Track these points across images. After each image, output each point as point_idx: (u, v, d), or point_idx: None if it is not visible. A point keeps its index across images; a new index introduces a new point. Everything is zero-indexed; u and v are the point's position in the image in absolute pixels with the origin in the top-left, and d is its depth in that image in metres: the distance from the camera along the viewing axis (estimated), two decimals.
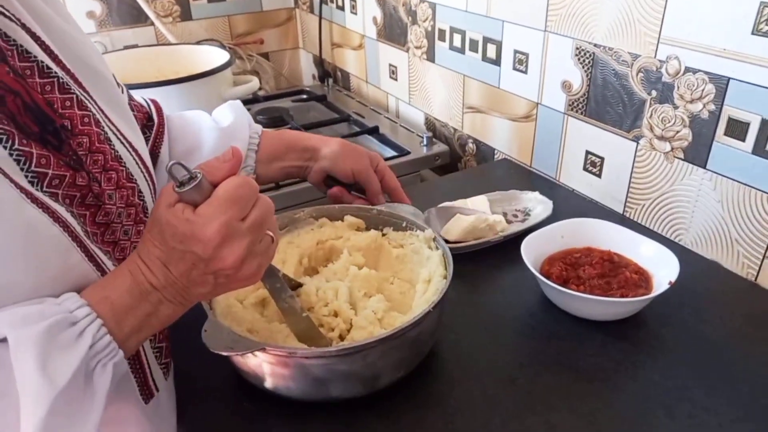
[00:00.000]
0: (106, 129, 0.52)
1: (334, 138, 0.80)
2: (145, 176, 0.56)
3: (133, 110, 0.67)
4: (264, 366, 0.55)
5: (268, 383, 0.57)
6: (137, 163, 0.55)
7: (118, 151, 0.53)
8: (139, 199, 0.54)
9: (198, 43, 1.50)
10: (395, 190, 0.80)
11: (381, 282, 0.67)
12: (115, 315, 0.44)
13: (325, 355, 0.54)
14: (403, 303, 0.66)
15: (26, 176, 0.42)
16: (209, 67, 1.06)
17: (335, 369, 0.55)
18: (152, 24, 1.56)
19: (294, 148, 0.78)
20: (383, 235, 0.73)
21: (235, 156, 0.45)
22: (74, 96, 0.50)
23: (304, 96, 1.58)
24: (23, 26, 0.48)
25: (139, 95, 0.74)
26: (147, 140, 0.69)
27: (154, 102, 0.74)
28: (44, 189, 0.44)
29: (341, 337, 0.60)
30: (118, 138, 0.54)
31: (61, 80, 0.49)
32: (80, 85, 0.52)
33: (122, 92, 0.65)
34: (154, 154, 0.70)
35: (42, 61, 0.48)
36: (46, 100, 0.47)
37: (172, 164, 0.43)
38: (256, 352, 0.52)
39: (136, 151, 0.56)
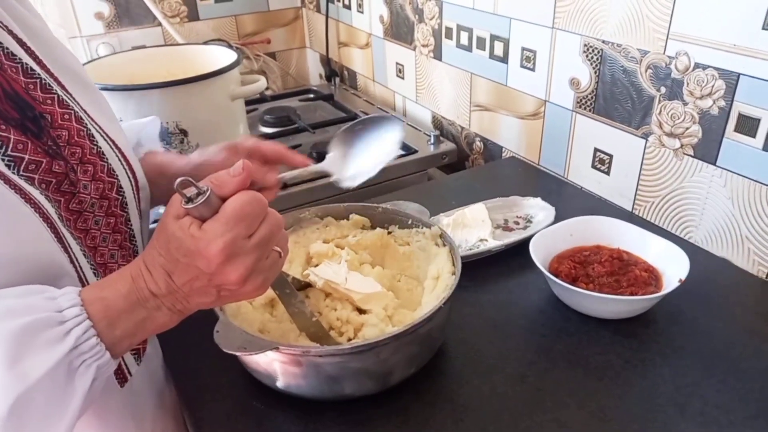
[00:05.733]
0: (89, 126, 0.55)
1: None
2: (127, 173, 0.58)
3: None
4: (276, 365, 0.55)
5: (280, 382, 0.57)
6: (120, 160, 0.57)
7: (101, 147, 0.55)
8: (117, 194, 0.56)
9: (205, 43, 1.51)
10: (282, 157, 0.67)
11: (388, 279, 0.67)
12: (107, 317, 0.44)
13: (339, 353, 0.54)
14: (410, 300, 0.66)
15: (2, 160, 0.45)
16: (217, 67, 1.06)
17: (348, 366, 0.55)
18: (160, 24, 1.56)
19: (165, 172, 0.68)
20: (389, 233, 0.73)
21: (245, 170, 0.45)
22: (56, 96, 0.52)
23: (311, 95, 1.58)
24: (10, 32, 0.50)
25: None
26: None
27: None
28: (20, 173, 0.46)
29: (350, 341, 0.60)
30: (102, 135, 0.56)
31: (43, 81, 0.51)
32: (63, 87, 0.54)
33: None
34: None
35: (27, 63, 0.50)
36: (27, 93, 0.49)
37: (181, 180, 0.43)
38: (268, 352, 0.52)
39: (119, 148, 0.58)
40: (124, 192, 0.57)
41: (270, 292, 0.63)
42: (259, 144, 0.67)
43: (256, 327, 0.59)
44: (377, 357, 0.55)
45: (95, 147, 0.54)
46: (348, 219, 0.74)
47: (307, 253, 0.70)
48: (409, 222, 0.72)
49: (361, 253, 0.69)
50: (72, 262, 0.49)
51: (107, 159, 0.55)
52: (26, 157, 0.46)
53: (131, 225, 0.59)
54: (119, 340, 0.45)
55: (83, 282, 0.51)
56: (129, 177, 0.58)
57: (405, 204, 0.75)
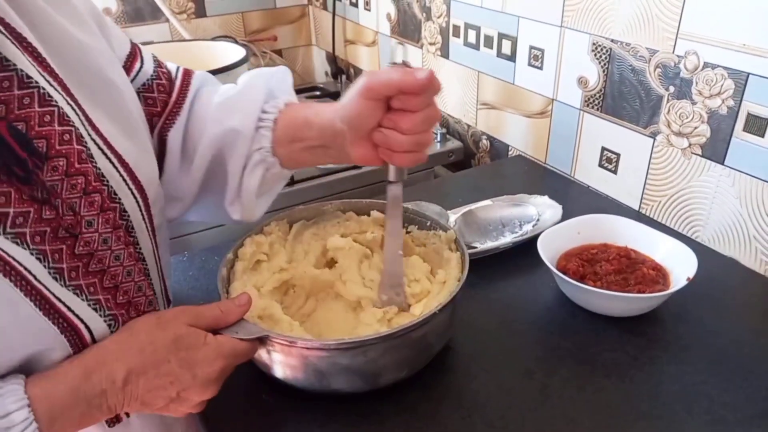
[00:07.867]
0: (90, 144, 0.49)
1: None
2: (133, 193, 0.52)
3: (154, 91, 0.61)
4: (271, 354, 0.56)
5: (276, 372, 0.58)
6: (124, 180, 0.51)
7: (101, 169, 0.49)
8: (122, 219, 0.51)
9: (213, 39, 1.51)
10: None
11: None
12: (51, 414, 0.42)
13: (325, 348, 0.54)
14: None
15: None
16: (225, 64, 1.06)
17: (336, 362, 0.55)
18: (167, 21, 1.57)
19: (312, 125, 0.60)
20: (407, 232, 0.72)
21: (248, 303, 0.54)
22: (55, 110, 0.46)
23: (318, 93, 1.58)
24: (6, 26, 0.44)
25: (173, 65, 0.66)
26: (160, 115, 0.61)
27: (186, 75, 0.65)
28: (7, 231, 0.41)
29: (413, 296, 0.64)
30: (104, 152, 0.50)
31: (42, 91, 0.45)
32: (68, 91, 0.48)
33: (142, 65, 0.61)
34: (162, 138, 0.61)
35: (22, 70, 0.44)
36: (20, 116, 0.44)
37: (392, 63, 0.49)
38: (262, 340, 0.53)
39: (125, 165, 0.52)
40: (128, 216, 0.51)
41: (278, 277, 0.66)
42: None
43: (257, 313, 0.59)
44: (364, 356, 0.54)
45: (96, 170, 0.48)
46: (369, 215, 0.73)
47: (323, 246, 0.70)
48: (428, 224, 0.71)
49: (377, 249, 0.69)
50: (65, 330, 0.45)
51: (108, 182, 0.49)
52: (11, 210, 0.41)
53: (140, 248, 0.53)
54: None
55: (86, 344, 0.47)
56: (136, 197, 0.52)
57: (426, 205, 0.74)
